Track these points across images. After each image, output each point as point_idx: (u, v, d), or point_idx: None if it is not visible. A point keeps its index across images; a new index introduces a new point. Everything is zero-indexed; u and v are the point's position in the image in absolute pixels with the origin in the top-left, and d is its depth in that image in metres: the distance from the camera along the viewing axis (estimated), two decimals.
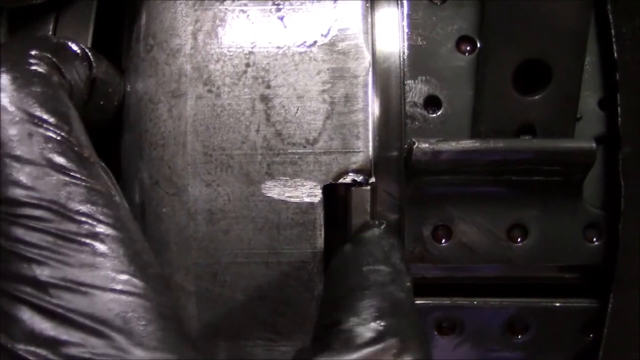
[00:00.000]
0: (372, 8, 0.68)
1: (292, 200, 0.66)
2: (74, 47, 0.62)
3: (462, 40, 0.67)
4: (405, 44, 0.67)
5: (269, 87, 0.66)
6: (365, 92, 0.66)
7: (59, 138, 0.51)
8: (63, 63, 0.58)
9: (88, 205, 0.50)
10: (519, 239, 0.66)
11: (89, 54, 0.63)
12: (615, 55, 0.64)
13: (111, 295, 0.48)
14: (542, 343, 0.70)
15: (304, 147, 0.66)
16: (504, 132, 0.64)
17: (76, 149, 0.52)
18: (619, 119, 0.63)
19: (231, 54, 0.67)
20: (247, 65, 0.67)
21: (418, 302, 0.68)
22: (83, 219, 0.50)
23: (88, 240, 0.49)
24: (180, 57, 0.67)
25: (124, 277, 0.50)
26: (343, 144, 0.66)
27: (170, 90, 0.67)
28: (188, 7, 0.68)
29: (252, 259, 0.67)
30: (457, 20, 0.67)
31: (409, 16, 0.68)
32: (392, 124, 0.67)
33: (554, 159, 0.63)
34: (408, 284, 0.59)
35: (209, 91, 0.66)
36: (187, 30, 0.68)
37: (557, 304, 0.69)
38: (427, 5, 0.68)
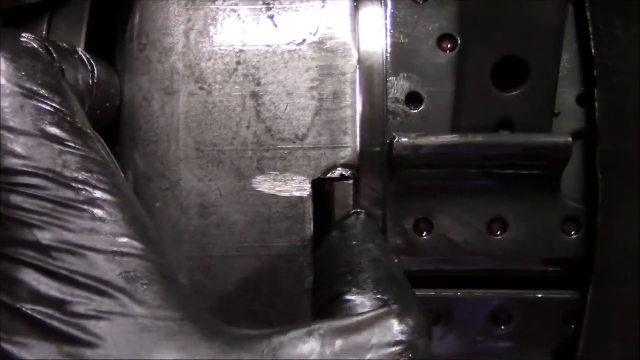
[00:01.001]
0: (357, 7, 0.69)
1: (282, 194, 0.67)
2: (74, 50, 0.63)
3: (443, 38, 0.68)
4: (389, 42, 0.68)
5: (259, 84, 0.68)
6: (353, 89, 0.67)
7: (51, 109, 0.52)
8: (63, 62, 0.59)
9: (84, 173, 0.51)
10: (498, 232, 0.67)
11: (89, 57, 0.64)
12: (593, 51, 0.65)
13: (112, 257, 0.49)
14: (525, 334, 0.70)
15: (294, 142, 0.67)
16: (483, 127, 0.65)
17: (69, 119, 0.52)
18: (597, 114, 0.64)
19: (222, 52, 0.68)
20: (238, 63, 0.68)
21: None
22: (80, 185, 0.50)
23: (86, 207, 0.50)
24: (173, 56, 0.68)
25: (124, 239, 0.50)
26: (331, 140, 0.67)
27: (163, 88, 0.68)
28: (181, 7, 0.69)
29: (244, 252, 0.68)
30: (439, 19, 0.68)
31: (392, 15, 0.69)
32: (376, 120, 0.68)
33: (531, 153, 0.64)
34: (397, 260, 0.61)
35: (201, 89, 0.68)
36: (180, 30, 0.69)
37: (540, 296, 0.70)
38: (410, 4, 0.69)
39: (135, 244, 0.51)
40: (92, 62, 0.64)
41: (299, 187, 0.67)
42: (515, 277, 0.71)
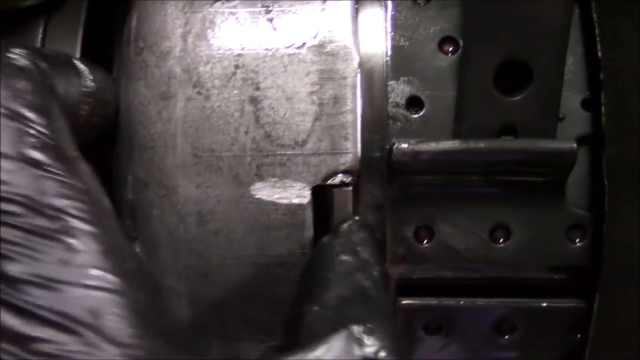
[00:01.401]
0: (357, 9, 0.69)
1: (281, 201, 0.67)
2: (68, 60, 0.62)
3: (445, 40, 0.67)
4: (389, 44, 0.68)
5: (258, 88, 0.67)
6: (354, 94, 0.66)
7: (34, 132, 0.51)
8: (55, 76, 0.58)
9: (62, 200, 0.49)
10: (501, 240, 0.66)
11: (84, 66, 0.63)
12: (599, 54, 0.64)
13: (83, 291, 0.48)
14: (529, 343, 0.70)
15: (293, 148, 0.66)
16: (486, 132, 0.64)
17: (53, 142, 0.51)
18: (603, 118, 0.63)
19: (220, 56, 0.67)
20: (236, 67, 0.67)
21: (405, 302, 0.69)
22: (56, 213, 0.49)
23: (61, 236, 0.48)
24: (170, 60, 0.68)
25: (97, 272, 0.49)
26: (332, 145, 0.66)
27: (160, 93, 0.68)
28: (178, 10, 0.69)
29: (242, 260, 0.67)
30: (440, 21, 0.67)
31: (393, 17, 0.68)
32: (376, 125, 0.67)
33: (535, 159, 0.63)
34: (375, 273, 0.59)
35: (199, 93, 0.67)
36: (177, 33, 0.68)
37: (544, 304, 0.69)
38: (411, 6, 0.68)
39: (109, 277, 0.49)
40: (87, 70, 0.63)
41: (298, 194, 0.66)
42: (518, 285, 0.70)
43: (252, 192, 0.67)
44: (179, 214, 0.67)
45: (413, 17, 0.68)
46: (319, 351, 0.51)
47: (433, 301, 0.69)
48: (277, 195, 0.67)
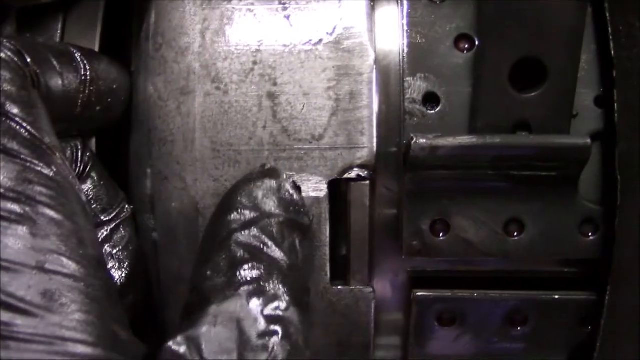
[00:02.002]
0: (373, 7, 0.69)
1: None
2: (63, 49, 0.63)
3: (461, 38, 0.68)
4: (405, 42, 0.68)
5: (275, 84, 0.67)
6: (370, 89, 0.67)
7: (7, 120, 0.51)
8: (42, 66, 0.59)
9: (28, 186, 0.50)
10: (515, 234, 0.67)
11: (82, 55, 0.64)
12: (612, 52, 0.64)
13: (39, 275, 0.48)
14: (541, 335, 0.70)
15: (310, 143, 0.67)
16: (501, 128, 0.65)
17: (23, 130, 0.52)
18: (616, 115, 0.64)
19: (238, 52, 0.68)
20: (254, 63, 0.68)
21: (419, 294, 0.70)
22: (18, 197, 0.50)
23: (20, 219, 0.49)
24: (188, 56, 0.69)
25: (54, 257, 0.50)
26: (348, 140, 0.67)
27: (179, 88, 0.68)
28: (196, 7, 0.69)
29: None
30: (456, 19, 0.68)
31: (409, 15, 0.68)
32: (392, 120, 0.68)
33: (549, 154, 0.63)
34: (272, 228, 0.58)
35: (217, 88, 0.68)
36: (196, 29, 0.69)
37: (556, 297, 0.69)
38: (427, 4, 0.69)
39: (65, 261, 0.50)
40: (84, 60, 0.64)
41: (315, 188, 0.67)
42: (531, 278, 0.70)
43: None
44: (197, 207, 0.68)
45: (429, 15, 0.68)
46: (205, 327, 0.52)
47: (447, 293, 0.70)
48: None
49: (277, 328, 0.53)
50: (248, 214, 0.59)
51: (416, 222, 0.67)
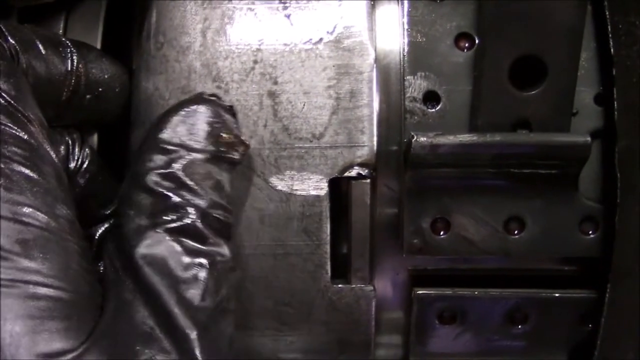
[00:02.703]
0: (374, 6, 0.69)
1: (299, 193, 0.68)
2: (52, 37, 0.64)
3: (461, 37, 0.68)
4: (405, 40, 0.68)
5: (276, 83, 0.68)
6: (370, 88, 0.68)
7: None
8: (24, 47, 0.60)
9: (5, 145, 0.52)
10: (515, 232, 0.67)
11: (71, 44, 0.65)
12: (612, 51, 0.64)
13: (14, 225, 0.50)
14: (542, 333, 0.70)
15: (311, 141, 0.67)
16: (501, 126, 0.65)
17: (5, 101, 0.53)
18: (615, 113, 0.64)
19: (239, 51, 0.68)
20: (255, 62, 0.68)
21: (420, 292, 0.70)
22: None
23: (0, 176, 0.51)
24: (189, 55, 0.69)
25: (28, 209, 0.51)
26: (348, 139, 0.67)
27: (180, 87, 0.69)
28: (197, 6, 0.70)
29: (260, 251, 0.68)
30: (456, 18, 0.68)
31: (409, 13, 0.68)
32: (393, 119, 0.68)
33: (549, 152, 0.63)
34: (195, 167, 0.59)
35: (218, 87, 0.68)
36: (197, 28, 0.69)
37: (557, 295, 0.69)
38: (427, 3, 0.69)
39: (40, 215, 0.52)
40: (73, 50, 0.65)
41: (315, 186, 0.67)
42: (531, 276, 0.71)
43: (271, 184, 0.68)
44: None
45: (429, 13, 0.68)
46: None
47: (448, 291, 0.70)
48: (294, 187, 0.68)
49: (202, 260, 0.56)
50: (171, 150, 0.59)
51: (417, 220, 0.67)
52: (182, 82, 0.69)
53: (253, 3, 0.69)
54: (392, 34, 0.70)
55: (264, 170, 0.68)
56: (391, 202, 0.69)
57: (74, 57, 0.64)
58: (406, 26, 0.68)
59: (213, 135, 0.60)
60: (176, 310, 0.54)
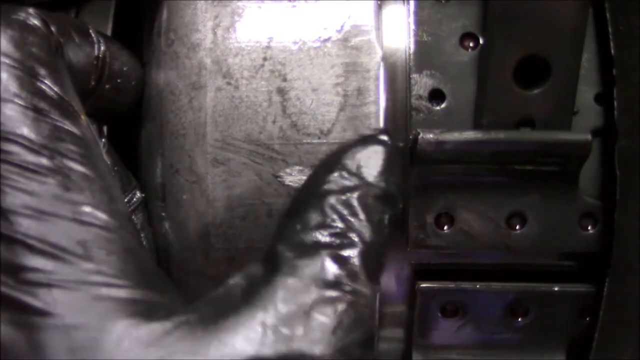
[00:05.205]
0: (380, 6, 0.70)
1: None
2: (82, 27, 0.64)
3: (466, 36, 0.69)
4: (411, 39, 0.69)
5: (285, 80, 0.69)
6: (377, 86, 0.69)
7: (38, 83, 0.53)
8: (64, 37, 0.60)
9: (59, 143, 0.51)
10: (517, 227, 0.68)
11: (98, 35, 0.65)
12: (612, 51, 0.65)
13: (73, 225, 0.49)
14: (542, 326, 0.71)
15: (319, 137, 0.69)
16: (505, 124, 0.66)
17: (50, 91, 0.53)
18: (615, 112, 0.65)
19: (249, 48, 0.70)
20: (264, 59, 0.69)
21: (423, 285, 0.71)
22: (49, 153, 0.51)
23: (55, 174, 0.50)
24: (200, 51, 0.70)
25: (87, 209, 0.50)
26: (355, 135, 0.68)
27: (190, 83, 0.70)
28: (207, 4, 0.71)
29: (268, 244, 0.69)
30: (461, 18, 0.69)
31: (415, 13, 0.69)
32: (399, 116, 0.69)
33: (551, 150, 0.64)
34: (368, 199, 0.57)
35: (228, 84, 0.69)
36: (207, 26, 0.70)
37: (556, 289, 0.70)
38: (433, 3, 0.70)
39: (99, 214, 0.51)
40: (100, 39, 0.65)
41: None
42: (532, 271, 0.72)
43: (279, 179, 0.69)
44: (208, 199, 0.69)
45: (435, 13, 0.70)
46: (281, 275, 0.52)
47: (450, 285, 0.71)
48: (302, 182, 0.69)
49: (348, 296, 0.52)
50: (348, 178, 0.57)
51: (422, 215, 0.68)
52: (193, 78, 0.70)
53: (263, 1, 0.70)
54: (398, 33, 0.71)
55: (273, 165, 0.69)
56: None
57: (101, 46, 0.65)
58: (412, 25, 0.69)
59: (386, 174, 0.59)
60: None
